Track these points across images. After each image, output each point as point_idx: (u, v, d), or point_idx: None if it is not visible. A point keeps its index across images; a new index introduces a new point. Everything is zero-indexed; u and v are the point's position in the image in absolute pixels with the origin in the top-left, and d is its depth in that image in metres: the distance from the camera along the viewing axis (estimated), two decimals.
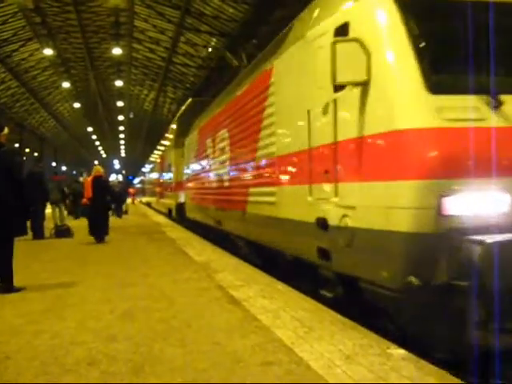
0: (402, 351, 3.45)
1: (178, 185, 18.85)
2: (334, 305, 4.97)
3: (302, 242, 5.76)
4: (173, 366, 3.30)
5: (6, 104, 43.80)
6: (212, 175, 11.84)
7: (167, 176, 23.84)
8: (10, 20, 29.35)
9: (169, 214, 22.57)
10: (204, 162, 13.03)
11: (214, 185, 11.49)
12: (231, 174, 9.79)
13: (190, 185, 15.86)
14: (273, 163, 6.87)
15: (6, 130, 6.43)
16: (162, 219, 22.07)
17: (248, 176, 8.43)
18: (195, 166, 14.76)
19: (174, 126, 21.62)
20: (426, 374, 3.01)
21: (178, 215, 18.83)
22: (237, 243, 10.10)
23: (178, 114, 21.42)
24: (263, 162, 7.41)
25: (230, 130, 9.77)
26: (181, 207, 17.92)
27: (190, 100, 20.61)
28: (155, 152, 34.94)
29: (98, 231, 12.00)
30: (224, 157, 10.28)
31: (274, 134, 6.78)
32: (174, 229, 16.20)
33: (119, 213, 23.95)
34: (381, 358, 3.31)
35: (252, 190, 8.07)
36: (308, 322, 4.26)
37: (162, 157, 28.42)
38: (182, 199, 17.99)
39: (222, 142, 10.56)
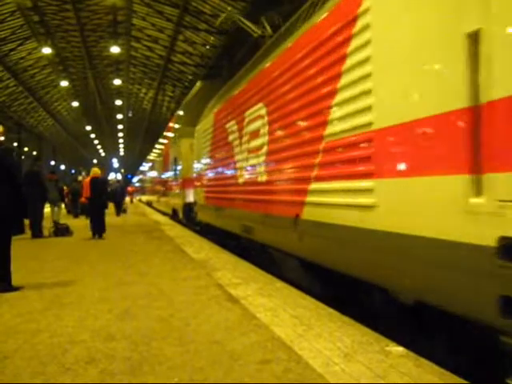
0: (400, 349, 3.45)
1: (186, 182, 16.19)
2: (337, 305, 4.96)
3: (451, 280, 3.23)
4: (171, 365, 3.29)
5: (4, 103, 43.77)
6: (237, 168, 9.00)
7: (172, 172, 20.82)
8: (8, 19, 29.31)
9: (173, 215, 20.07)
10: (224, 153, 10.26)
11: (242, 180, 8.70)
12: (271, 163, 7.13)
13: (203, 181, 13.00)
14: (367, 141, 4.32)
15: (0, 129, 6.41)
16: (160, 218, 22.02)
17: (305, 165, 5.76)
18: (210, 159, 11.93)
19: (180, 114, 18.74)
20: (425, 372, 3.01)
21: (186, 217, 16.20)
22: (280, 262, 7.54)
23: (185, 100, 18.60)
24: (342, 141, 4.82)
25: (268, 104, 7.17)
26: (189, 208, 15.57)
27: (199, 83, 17.58)
28: (157, 146, 31.62)
29: (96, 228, 12.79)
30: (258, 142, 7.63)
31: (370, 94, 4.23)
32: (172, 227, 16.17)
33: (118, 211, 23.97)
34: (380, 356, 3.30)
35: (314, 185, 5.48)
36: (307, 320, 4.26)
37: (165, 151, 25.16)
38: (190, 198, 15.58)
39: (253, 123, 7.97)
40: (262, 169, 7.55)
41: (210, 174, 12.03)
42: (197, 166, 14.16)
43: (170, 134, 22.24)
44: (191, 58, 32.06)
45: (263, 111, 7.43)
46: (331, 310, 4.64)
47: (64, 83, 39.53)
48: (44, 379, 3.13)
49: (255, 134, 7.86)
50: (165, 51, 33.10)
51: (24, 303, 5.39)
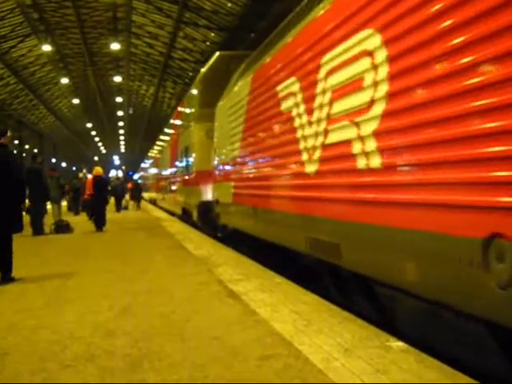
0: (401, 344, 3.43)
1: (202, 175, 13.15)
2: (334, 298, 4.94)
3: None
4: (171, 361, 3.28)
5: (4, 100, 43.77)
6: (304, 149, 5.71)
7: (181, 164, 17.57)
8: (7, 16, 29.30)
9: (183, 216, 17.16)
10: (275, 128, 6.93)
11: (312, 168, 5.45)
12: (396, 135, 3.80)
13: (231, 173, 9.83)
14: None
15: (9, 133, 6.90)
16: (161, 214, 22.01)
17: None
18: (244, 140, 8.65)
19: (194, 93, 15.00)
20: (426, 367, 2.99)
21: (202, 219, 13.22)
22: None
23: (198, 77, 14.61)
24: None
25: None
26: (206, 208, 12.56)
27: (217, 54, 13.96)
28: (162, 138, 28.20)
29: (98, 221, 13.94)
30: (361, 98, 4.28)
31: None
32: (173, 223, 16.17)
33: (118, 207, 24.04)
34: (380, 351, 3.29)
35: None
36: (307, 315, 4.25)
37: (172, 141, 21.82)
38: (207, 196, 12.71)
39: (341, 72, 4.68)
40: (369, 146, 4.13)
41: (246, 162, 8.66)
42: (219, 154, 10.98)
43: (179, 122, 19.09)
44: (191, 54, 32.07)
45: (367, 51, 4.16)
46: (332, 306, 4.63)
47: (64, 80, 39.57)
48: (44, 375, 3.12)
49: (352, 87, 4.44)
50: (165, 48, 33.11)
51: (24, 300, 5.40)
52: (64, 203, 20.21)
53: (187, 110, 16.67)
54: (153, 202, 34.67)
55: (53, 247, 10.45)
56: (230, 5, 24.06)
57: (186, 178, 16.06)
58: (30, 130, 55.61)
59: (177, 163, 19.20)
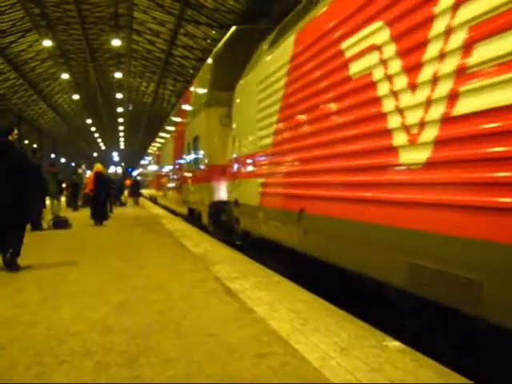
0: (397, 343, 3.44)
1: (215, 170, 11.26)
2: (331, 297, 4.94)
3: None
4: (168, 358, 3.28)
5: (4, 95, 43.71)
6: (386, 133, 4.02)
7: (189, 158, 15.34)
8: (8, 11, 29.25)
9: (189, 217, 15.24)
10: (331, 109, 5.10)
11: (418, 158, 3.56)
12: None
13: (259, 168, 7.79)
14: None
15: (15, 131, 7.27)
16: (160, 211, 21.99)
17: None
18: (282, 127, 6.64)
19: (205, 76, 12.71)
20: (422, 367, 3.00)
21: (214, 222, 11.40)
22: None
23: (213, 55, 12.25)
24: None
25: None
26: (220, 209, 10.97)
27: (234, 29, 11.96)
28: (166, 127, 25.22)
29: (98, 216, 14.51)
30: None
31: None
32: (171, 221, 16.17)
33: (118, 203, 24.10)
34: (376, 350, 3.30)
35: None
36: (304, 314, 4.25)
37: (177, 132, 19.19)
38: (221, 195, 10.97)
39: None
40: None
41: (287, 151, 6.44)
42: (240, 144, 8.85)
43: (186, 109, 16.36)
44: (192, 51, 32.04)
45: None
46: (329, 305, 4.63)
47: (65, 76, 39.52)
48: (40, 370, 3.12)
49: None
50: (166, 45, 33.07)
51: (21, 295, 5.40)
52: (63, 199, 20.19)
53: (197, 95, 14.16)
54: (153, 199, 32.49)
55: (51, 243, 10.45)
56: (231, 2, 24.04)
57: (194, 173, 14.07)
58: (30, 126, 55.52)
59: (182, 157, 16.89)
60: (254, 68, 8.15)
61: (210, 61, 12.38)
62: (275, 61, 6.86)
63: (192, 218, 14.59)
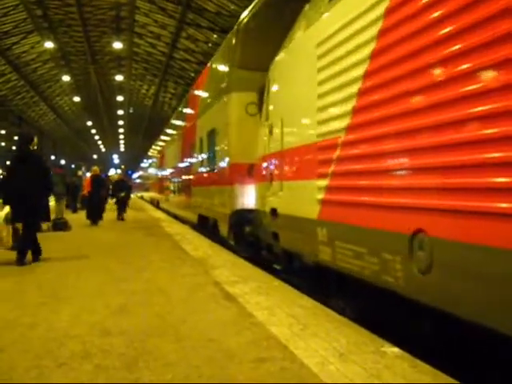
0: (396, 349, 3.45)
1: (240, 170, 9.11)
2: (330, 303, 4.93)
3: None
4: (166, 362, 3.29)
5: (5, 96, 43.78)
6: None
7: (201, 155, 13.02)
8: (11, 12, 29.35)
9: (200, 225, 12.96)
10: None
11: None
12: None
13: (317, 166, 5.29)
14: None
15: (35, 140, 8.06)
16: (160, 214, 21.95)
17: None
18: (365, 104, 4.30)
19: (228, 55, 10.09)
20: (420, 373, 3.01)
21: (237, 236, 9.28)
22: None
23: (238, 25, 9.68)
24: None
25: None
26: (246, 220, 8.79)
27: None
28: (172, 122, 22.28)
29: (94, 216, 15.34)
30: None
31: None
32: (171, 224, 16.16)
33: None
34: (375, 356, 3.30)
35: None
36: (303, 319, 4.25)
37: (187, 125, 16.32)
38: (248, 201, 8.81)
39: None
40: None
41: (379, 138, 4.14)
42: (283, 133, 6.53)
43: (201, 95, 13.75)
44: (193, 55, 32.11)
45: None
46: (328, 310, 4.63)
47: (66, 78, 39.56)
48: (39, 372, 3.12)
49: None
50: (167, 48, 33.15)
51: (20, 297, 5.40)
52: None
53: (214, 79, 11.83)
54: (155, 203, 29.75)
55: (50, 244, 10.42)
56: (232, 7, 24.11)
57: (209, 174, 11.87)
58: (30, 127, 55.55)
59: (192, 155, 14.59)
60: (308, 29, 5.93)
61: (232, 35, 10.10)
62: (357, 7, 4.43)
63: (202, 226, 12.45)
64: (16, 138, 46.71)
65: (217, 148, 10.90)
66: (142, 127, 62.76)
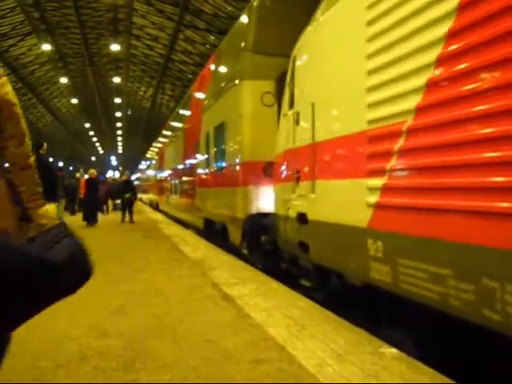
0: (394, 350, 3.45)
1: (254, 169, 8.05)
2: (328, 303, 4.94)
3: None
4: (164, 363, 3.29)
5: None
6: None
7: (208, 153, 11.63)
8: (8, 14, 29.32)
9: (206, 230, 11.89)
10: None
11: None
12: None
13: (366, 162, 3.99)
14: None
15: (45, 145, 8.26)
16: (158, 216, 21.92)
17: None
18: (445, 78, 3.05)
19: (241, 39, 8.88)
20: (418, 373, 3.01)
21: (252, 245, 8.13)
22: None
23: (252, 6, 8.56)
24: None
25: None
26: (262, 227, 7.71)
27: None
28: (172, 120, 21.36)
29: (89, 218, 15.78)
30: None
31: None
32: (169, 225, 16.15)
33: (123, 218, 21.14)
34: (373, 357, 3.30)
35: None
36: (301, 321, 4.25)
37: (192, 120, 14.63)
38: (263, 204, 7.87)
39: None
40: None
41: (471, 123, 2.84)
42: (314, 123, 5.25)
43: (208, 86, 12.39)
44: (191, 57, 32.13)
45: None
46: (326, 312, 4.63)
47: (63, 80, 39.52)
48: (36, 374, 3.12)
49: None
50: (165, 50, 33.16)
51: None
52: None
53: (223, 67, 10.66)
54: (154, 205, 28.68)
55: None
56: (229, 8, 24.14)
57: (217, 173, 10.63)
58: (28, 129, 55.43)
59: (196, 153, 13.20)
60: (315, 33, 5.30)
61: (245, 13, 9.09)
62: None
63: (208, 230, 11.41)
64: None
65: (227, 144, 9.63)
66: (140, 129, 62.73)
